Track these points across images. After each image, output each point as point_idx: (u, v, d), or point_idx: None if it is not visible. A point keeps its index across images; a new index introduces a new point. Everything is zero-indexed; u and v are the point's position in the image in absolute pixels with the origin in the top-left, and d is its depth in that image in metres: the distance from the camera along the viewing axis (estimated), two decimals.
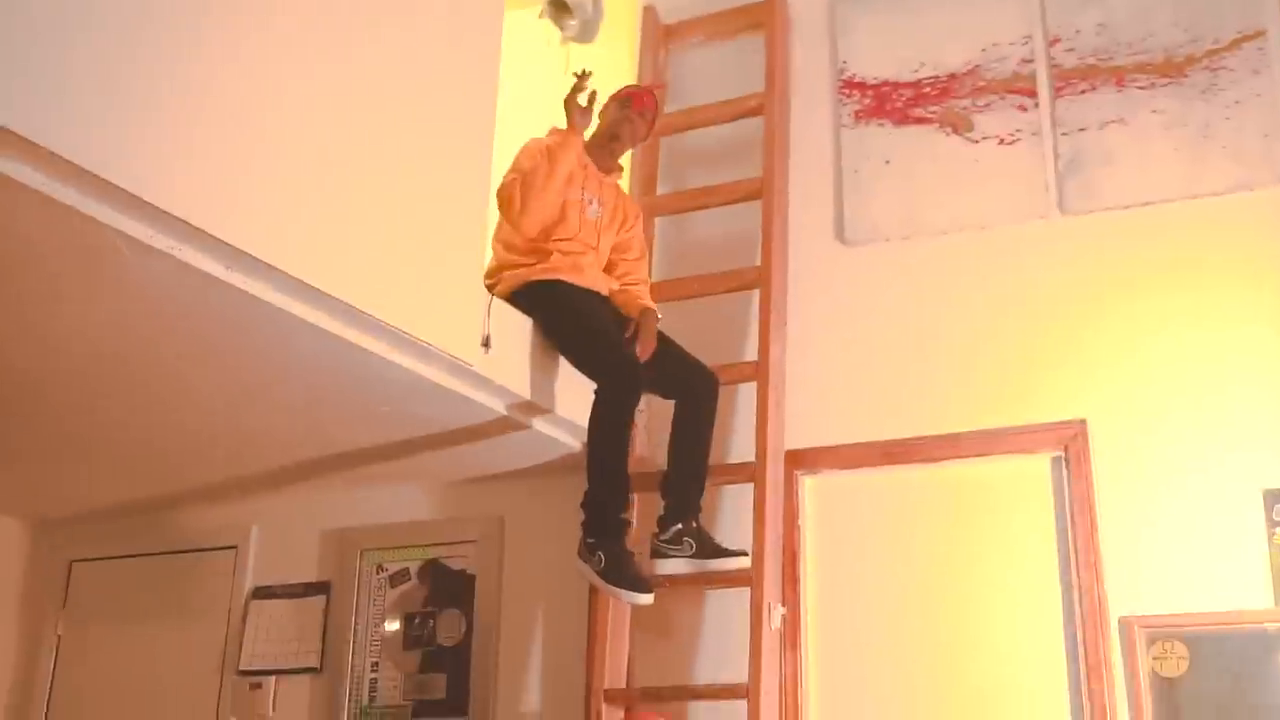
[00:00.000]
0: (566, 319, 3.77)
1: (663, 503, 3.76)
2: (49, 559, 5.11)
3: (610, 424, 3.60)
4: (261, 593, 4.66)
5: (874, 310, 4.16)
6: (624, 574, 3.51)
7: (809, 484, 4.07)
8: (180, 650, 4.73)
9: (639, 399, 3.69)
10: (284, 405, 3.64)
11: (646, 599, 3.51)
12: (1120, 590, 3.63)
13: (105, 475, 4.54)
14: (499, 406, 3.69)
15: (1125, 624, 3.60)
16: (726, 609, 3.91)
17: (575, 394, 3.78)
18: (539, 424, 3.86)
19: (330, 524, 4.65)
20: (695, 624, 4.02)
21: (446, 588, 4.40)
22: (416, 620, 4.40)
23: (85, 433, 4.03)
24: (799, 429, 4.04)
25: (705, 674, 3.92)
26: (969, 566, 3.83)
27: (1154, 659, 3.59)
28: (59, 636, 4.99)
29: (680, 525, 3.70)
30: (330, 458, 4.16)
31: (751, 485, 3.81)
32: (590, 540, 3.57)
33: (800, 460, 4.03)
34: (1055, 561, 3.75)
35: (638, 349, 3.74)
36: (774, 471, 3.82)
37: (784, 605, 3.78)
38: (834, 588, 3.95)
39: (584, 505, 3.60)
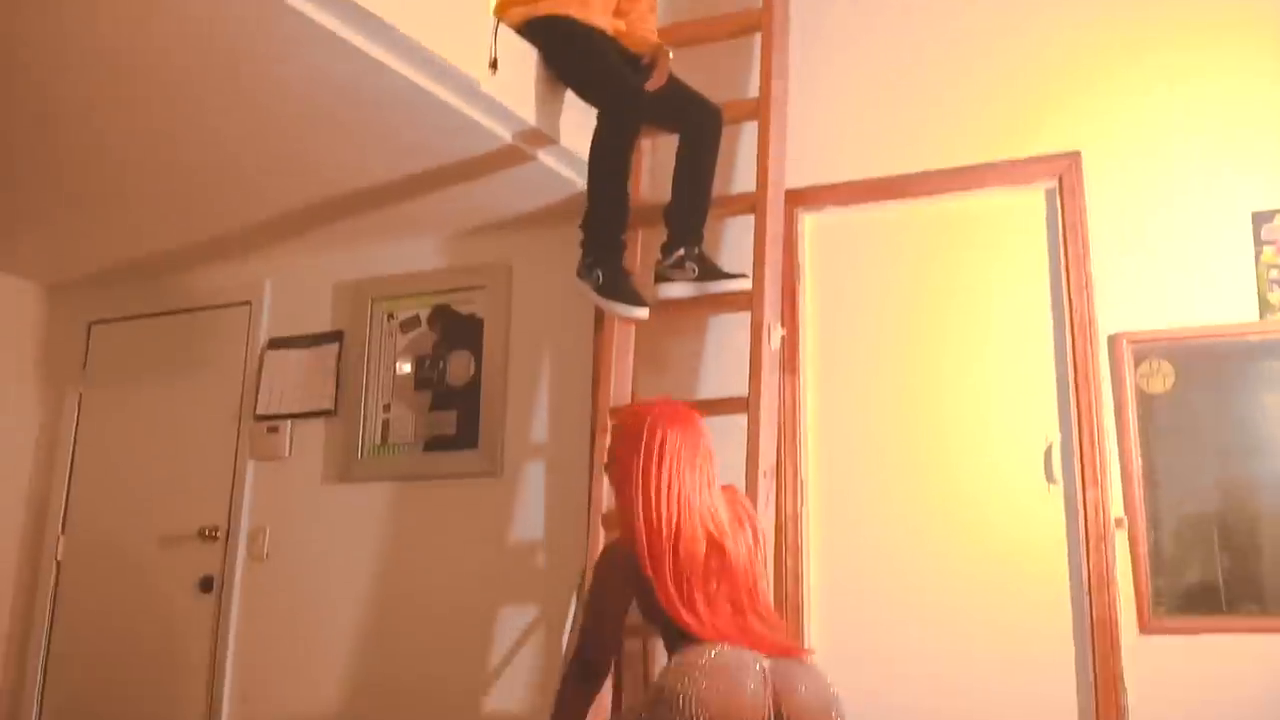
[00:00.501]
0: (570, 48, 3.82)
1: (666, 231, 3.85)
2: (67, 321, 5.25)
3: (611, 146, 3.67)
4: (276, 344, 4.80)
5: (871, 54, 4.20)
6: (621, 289, 3.62)
7: (808, 221, 4.17)
8: (199, 402, 4.89)
9: (640, 124, 3.76)
10: (295, 133, 3.71)
11: (642, 312, 3.63)
12: (1110, 310, 3.74)
13: (119, 232, 4.65)
14: (505, 134, 3.76)
15: (1114, 341, 3.71)
16: (728, 333, 4.03)
17: (580, 126, 3.85)
18: (544, 156, 3.93)
19: (342, 276, 4.78)
20: (697, 351, 4.14)
21: (456, 331, 4.54)
22: (427, 363, 4.55)
23: (97, 184, 4.12)
24: (798, 169, 4.10)
25: (707, 395, 4.04)
26: (962, 294, 3.94)
27: (1140, 377, 3.72)
28: (80, 395, 5.14)
29: (683, 250, 3.79)
30: (341, 199, 4.25)
31: (753, 216, 3.88)
32: (589, 259, 3.67)
33: (800, 198, 4.12)
34: (1047, 286, 3.85)
35: (651, 80, 3.79)
36: (774, 200, 3.89)
37: (783, 328, 3.89)
38: (831, 316, 4.07)
39: (583, 225, 3.70)
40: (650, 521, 2.74)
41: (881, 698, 3.62)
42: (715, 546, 2.75)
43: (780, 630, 2.75)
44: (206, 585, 4.67)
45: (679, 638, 2.68)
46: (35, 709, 4.85)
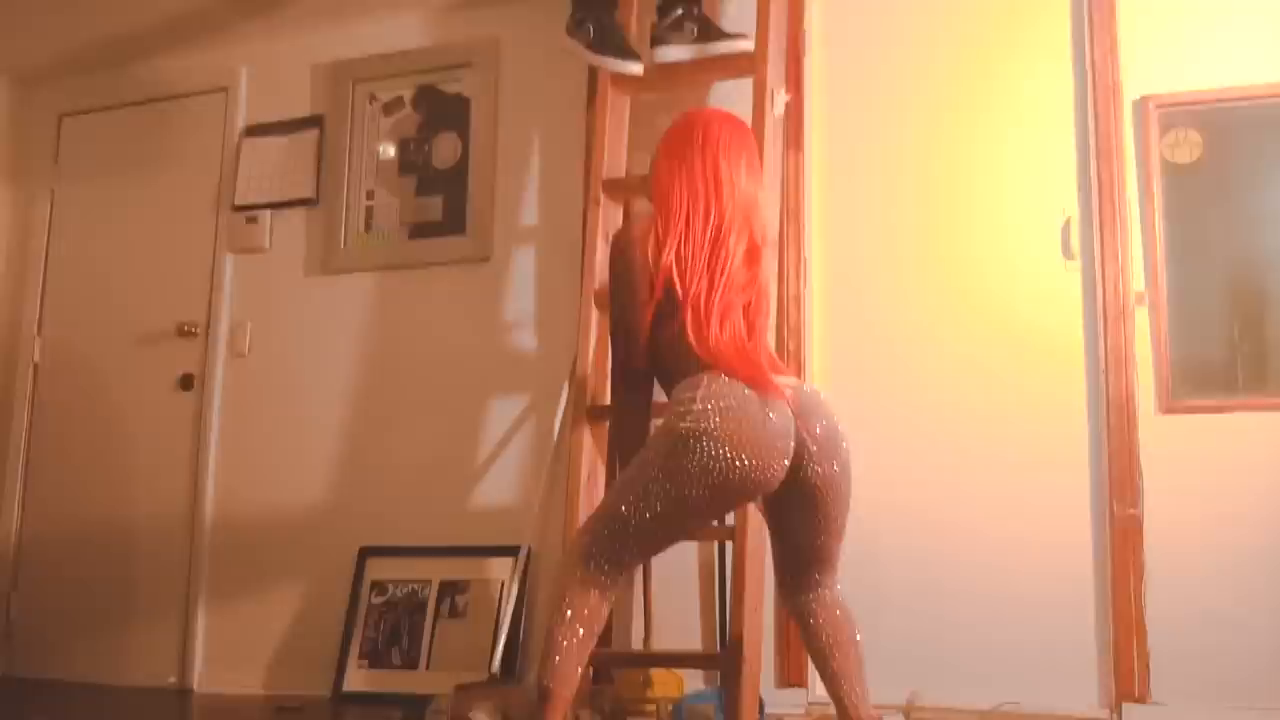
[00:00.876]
0: None
1: None
2: (37, 115, 5.00)
3: None
4: (254, 130, 4.56)
5: None
6: (613, 43, 3.45)
7: None
8: (175, 195, 4.68)
9: None
10: None
11: (636, 67, 3.45)
12: (1136, 73, 3.51)
13: (84, 14, 4.39)
14: None
15: (1140, 105, 3.48)
16: (729, 103, 3.70)
17: None
18: None
19: (321, 58, 4.52)
20: None
21: (441, 112, 4.30)
22: (411, 146, 4.33)
23: None
24: None
25: None
26: (979, 58, 3.70)
27: (1166, 147, 3.49)
28: (53, 192, 4.92)
29: (681, 10, 3.54)
30: None
31: None
32: (579, 14, 3.49)
33: None
34: (1069, 47, 3.60)
35: None
36: None
37: (788, 93, 3.64)
38: (839, 83, 3.82)
39: None
40: (688, 215, 2.42)
41: (889, 491, 3.44)
42: (752, 257, 2.45)
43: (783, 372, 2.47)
44: (187, 383, 4.50)
45: (684, 359, 2.36)
46: (16, 513, 4.71)
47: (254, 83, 4.62)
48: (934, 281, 3.65)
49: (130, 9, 4.35)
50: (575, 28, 3.48)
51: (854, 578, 2.62)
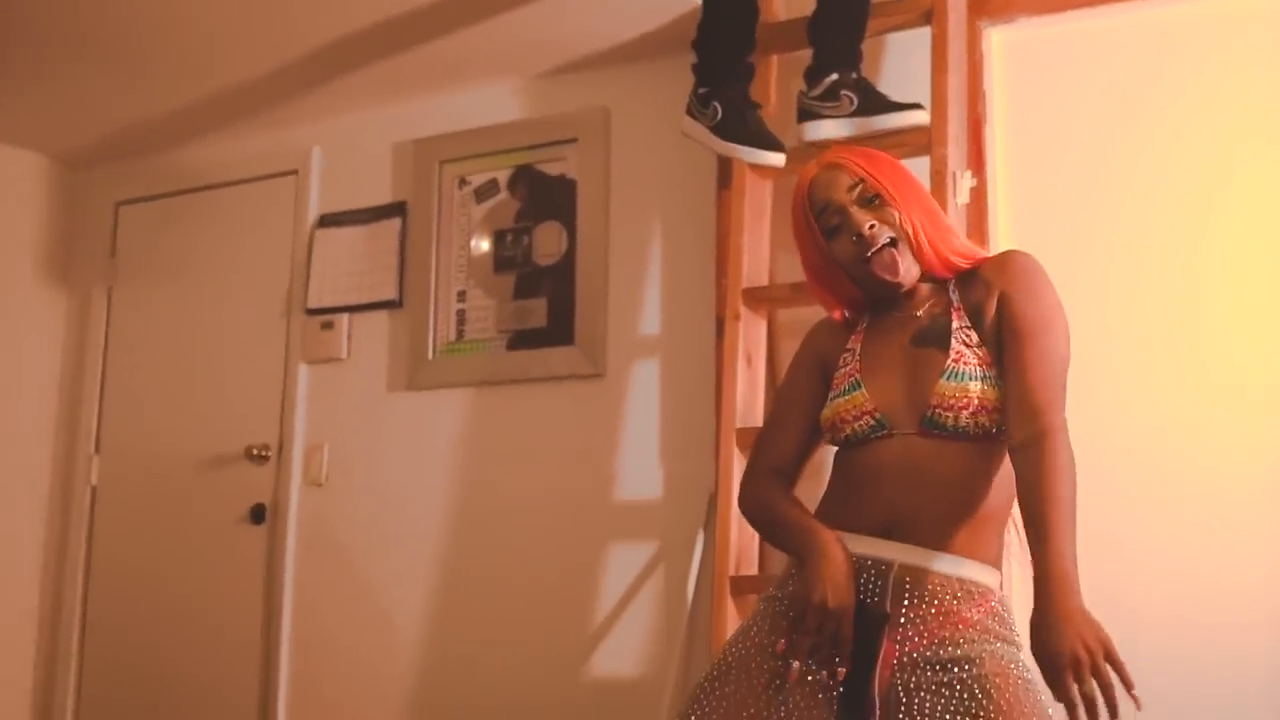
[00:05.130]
0: None
1: (812, 52, 2.89)
2: (92, 202, 4.47)
3: None
4: (328, 220, 3.95)
5: None
6: (747, 127, 2.81)
7: (996, 38, 3.14)
8: (242, 292, 4.10)
9: None
10: None
11: (777, 158, 2.81)
12: None
13: (137, 92, 3.86)
14: None
15: None
16: None
17: None
18: None
19: (402, 135, 3.89)
20: None
21: (543, 198, 3.65)
22: (509, 238, 3.67)
23: (105, 30, 3.40)
24: None
25: None
26: (1212, 128, 2.90)
27: None
28: (110, 291, 4.36)
29: (837, 75, 2.84)
30: (393, 27, 3.36)
31: (924, 30, 2.91)
32: (703, 90, 2.86)
33: (982, 6, 3.09)
34: None
35: None
36: (956, 6, 2.91)
37: (973, 175, 2.90)
38: (1029, 160, 3.06)
39: (696, 45, 2.81)
40: None
41: None
42: None
43: None
44: (258, 515, 3.88)
45: None
46: (75, 653, 4.14)
47: (327, 164, 4.02)
48: (1166, 409, 2.86)
49: (190, 83, 3.76)
50: (698, 106, 2.82)
51: None
